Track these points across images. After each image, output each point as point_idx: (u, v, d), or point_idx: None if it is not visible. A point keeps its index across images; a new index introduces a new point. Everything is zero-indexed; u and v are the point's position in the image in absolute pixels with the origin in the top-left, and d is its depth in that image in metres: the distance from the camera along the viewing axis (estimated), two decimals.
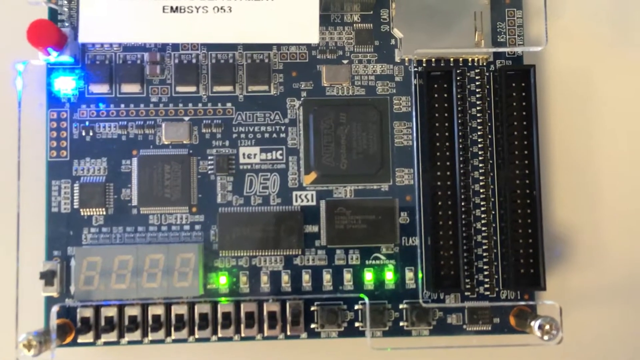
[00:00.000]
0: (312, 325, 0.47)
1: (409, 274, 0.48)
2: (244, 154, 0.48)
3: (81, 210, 0.47)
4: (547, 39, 0.47)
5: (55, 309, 0.44)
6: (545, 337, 0.43)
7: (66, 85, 0.48)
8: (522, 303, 0.47)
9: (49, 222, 0.47)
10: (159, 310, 0.46)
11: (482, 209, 0.48)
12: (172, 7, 0.46)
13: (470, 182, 0.48)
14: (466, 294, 0.48)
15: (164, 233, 0.48)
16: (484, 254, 0.48)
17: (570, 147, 0.51)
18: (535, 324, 0.44)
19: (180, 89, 0.49)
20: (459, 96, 0.48)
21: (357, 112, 0.49)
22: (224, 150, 0.48)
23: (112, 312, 0.46)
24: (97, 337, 0.46)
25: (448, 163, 0.48)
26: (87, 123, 0.48)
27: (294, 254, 0.48)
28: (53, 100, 0.48)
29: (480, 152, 0.48)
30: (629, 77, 0.51)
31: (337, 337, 0.47)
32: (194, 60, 0.49)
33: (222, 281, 0.47)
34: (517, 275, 0.47)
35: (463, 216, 0.47)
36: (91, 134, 0.48)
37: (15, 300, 0.43)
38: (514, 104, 0.48)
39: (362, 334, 0.47)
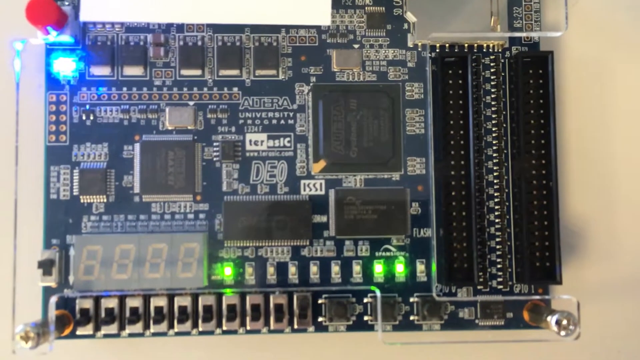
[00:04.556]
0: (320, 319, 0.46)
1: (420, 267, 0.47)
2: (250, 141, 0.47)
3: (81, 197, 0.46)
4: (567, 24, 0.45)
5: (53, 299, 0.42)
6: (563, 333, 0.42)
7: (66, 66, 0.46)
8: (538, 297, 0.46)
9: (48, 210, 0.46)
10: (162, 302, 0.45)
11: (496, 200, 0.47)
12: None
13: (484, 172, 0.47)
14: (479, 287, 0.46)
15: (167, 222, 0.46)
16: (498, 247, 0.47)
17: (587, 137, 0.49)
18: (552, 319, 0.42)
19: (184, 72, 0.47)
20: (473, 83, 0.46)
21: (368, 98, 0.47)
22: (229, 137, 0.47)
23: (112, 303, 0.45)
24: (96, 329, 0.45)
25: (462, 152, 0.47)
26: (87, 107, 0.46)
27: (302, 244, 0.46)
28: (52, 82, 0.46)
29: (494, 142, 0.47)
30: None
31: (346, 331, 0.46)
32: (199, 43, 0.47)
33: (227, 272, 0.46)
34: (532, 268, 0.46)
35: (477, 207, 0.46)
36: (92, 118, 0.46)
37: (12, 290, 0.42)
38: (530, 91, 0.47)
39: (371, 327, 0.46)
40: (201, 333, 0.45)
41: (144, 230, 0.46)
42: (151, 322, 0.45)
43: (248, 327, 0.45)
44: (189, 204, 0.46)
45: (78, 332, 0.45)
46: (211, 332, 0.45)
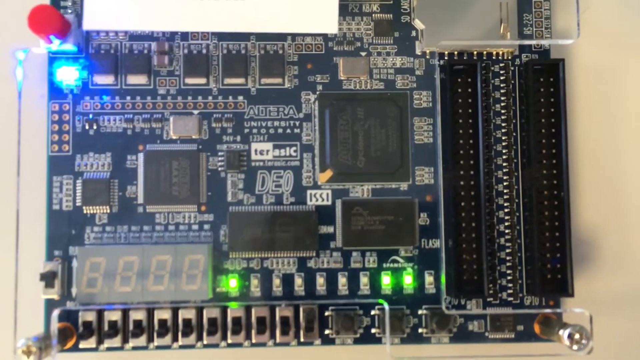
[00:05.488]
0: (327, 332, 0.45)
1: (428, 278, 0.46)
2: (256, 150, 0.46)
3: (84, 208, 0.45)
4: (579, 31, 0.45)
5: (56, 312, 0.42)
6: (575, 347, 0.41)
7: (69, 75, 0.46)
8: (549, 310, 0.45)
9: (50, 221, 0.45)
10: (166, 315, 0.44)
11: (506, 210, 0.46)
12: None
13: (493, 182, 0.46)
14: (488, 299, 0.46)
15: (171, 233, 0.45)
16: (508, 258, 0.46)
17: (599, 146, 0.49)
18: (564, 333, 0.42)
19: (189, 80, 0.46)
20: (483, 91, 0.46)
21: (375, 107, 0.46)
22: (235, 146, 0.46)
23: (116, 316, 0.44)
24: (99, 342, 0.44)
25: (471, 162, 0.46)
26: (90, 116, 0.46)
27: (308, 256, 0.46)
28: (55, 91, 0.46)
29: (504, 151, 0.46)
30: None
31: (353, 344, 0.45)
32: (204, 51, 0.46)
33: (232, 284, 0.45)
34: (543, 280, 0.45)
35: (486, 218, 0.45)
36: (95, 127, 0.46)
37: (14, 303, 0.41)
38: (541, 100, 0.46)
39: (378, 340, 0.45)
40: (206, 346, 0.45)
41: (147, 241, 0.45)
42: (155, 335, 0.44)
43: (253, 340, 0.44)
44: (193, 215, 0.46)
45: (81, 345, 0.44)
46: (216, 345, 0.45)
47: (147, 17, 0.45)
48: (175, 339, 0.44)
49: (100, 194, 0.45)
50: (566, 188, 0.45)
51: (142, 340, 0.44)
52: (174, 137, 0.46)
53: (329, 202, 0.46)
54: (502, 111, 0.47)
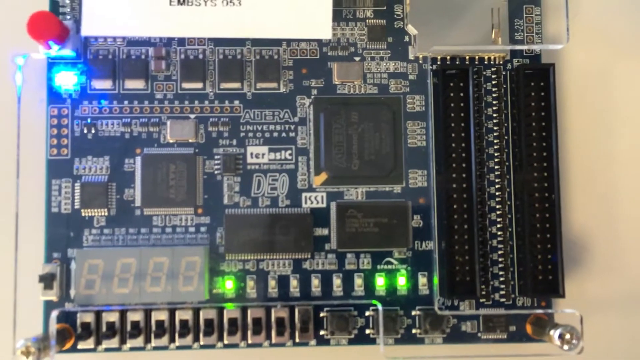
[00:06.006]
0: (322, 332, 0.45)
1: (422, 280, 0.46)
2: (251, 154, 0.47)
3: (82, 210, 0.46)
4: (568, 36, 0.45)
5: (54, 313, 0.42)
6: (566, 347, 0.42)
7: (67, 80, 0.46)
8: (540, 311, 0.46)
9: (49, 223, 0.46)
10: (163, 316, 0.45)
11: (498, 212, 0.47)
12: (179, 0, 0.45)
13: (485, 185, 0.47)
14: (481, 300, 0.46)
15: (168, 235, 0.46)
16: (500, 260, 0.46)
17: (590, 149, 0.49)
18: (555, 333, 0.42)
19: (186, 85, 0.47)
20: (475, 95, 0.46)
21: (369, 111, 0.47)
22: (231, 150, 0.47)
23: (113, 317, 0.45)
24: (98, 343, 0.45)
25: (463, 165, 0.46)
26: (89, 120, 0.46)
27: (303, 257, 0.46)
28: (54, 96, 0.46)
29: (496, 154, 0.47)
30: None
31: (347, 345, 0.46)
32: (200, 56, 0.47)
33: (228, 286, 0.46)
34: (534, 281, 0.46)
35: (478, 220, 0.46)
36: (93, 131, 0.46)
37: (13, 304, 0.42)
38: (532, 104, 0.47)
39: (373, 341, 0.46)
40: (202, 347, 0.45)
41: (145, 243, 0.46)
42: (152, 336, 0.44)
43: (249, 341, 0.45)
44: (190, 217, 0.46)
45: (79, 346, 0.44)
46: (212, 346, 0.45)
47: (144, 23, 0.45)
48: (172, 339, 0.45)
49: (98, 197, 0.45)
50: (557, 190, 0.46)
51: (139, 341, 0.44)
52: (171, 141, 0.47)
53: (324, 205, 0.47)
54: (494, 115, 0.47)
